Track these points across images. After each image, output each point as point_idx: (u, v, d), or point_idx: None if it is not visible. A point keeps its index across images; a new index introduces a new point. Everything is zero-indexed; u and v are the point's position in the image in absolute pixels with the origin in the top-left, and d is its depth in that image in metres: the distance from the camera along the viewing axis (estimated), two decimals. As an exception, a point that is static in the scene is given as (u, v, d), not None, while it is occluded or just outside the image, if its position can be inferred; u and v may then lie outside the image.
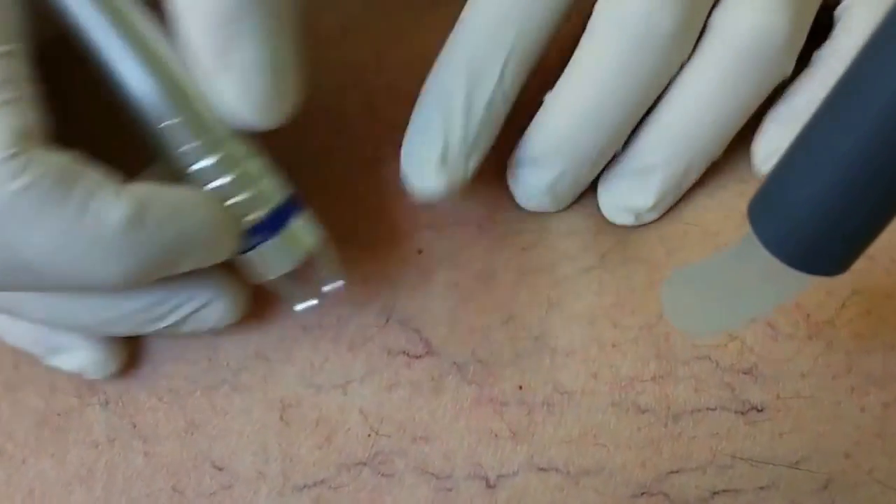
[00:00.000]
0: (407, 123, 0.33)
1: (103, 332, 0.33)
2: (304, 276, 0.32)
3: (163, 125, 0.28)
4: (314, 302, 0.32)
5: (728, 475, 0.33)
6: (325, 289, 0.32)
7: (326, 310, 0.34)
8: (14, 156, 0.25)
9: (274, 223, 0.30)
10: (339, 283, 0.32)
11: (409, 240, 0.35)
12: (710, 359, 0.33)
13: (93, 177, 0.27)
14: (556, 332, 0.34)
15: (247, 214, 0.30)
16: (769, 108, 0.35)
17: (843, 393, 0.33)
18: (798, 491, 0.33)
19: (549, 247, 0.35)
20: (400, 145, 0.33)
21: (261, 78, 0.28)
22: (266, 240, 0.30)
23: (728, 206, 0.35)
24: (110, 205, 0.27)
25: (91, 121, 0.30)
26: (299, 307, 0.32)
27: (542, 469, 0.33)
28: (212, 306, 0.32)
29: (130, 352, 0.35)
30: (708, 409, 0.33)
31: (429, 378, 0.34)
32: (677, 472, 0.33)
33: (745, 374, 0.33)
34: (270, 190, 0.30)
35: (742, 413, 0.33)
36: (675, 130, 0.33)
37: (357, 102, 0.37)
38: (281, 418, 0.34)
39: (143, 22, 0.28)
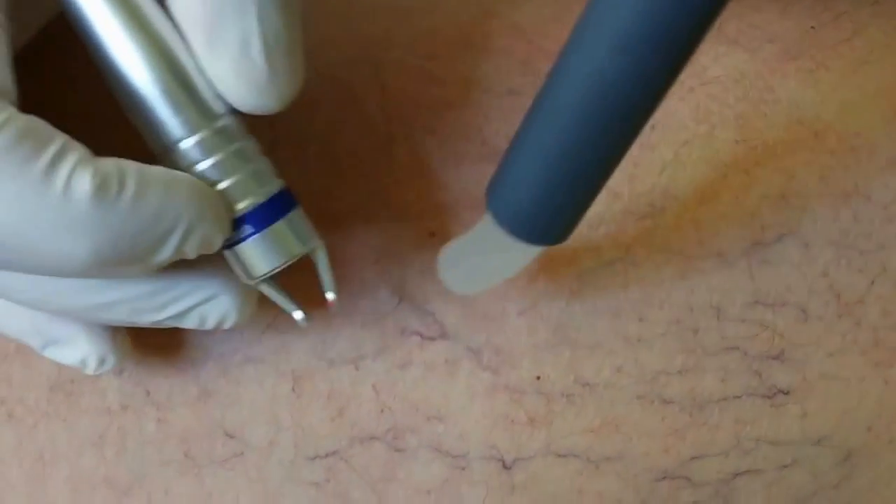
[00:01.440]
0: (417, 102, 0.32)
1: (97, 319, 0.30)
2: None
3: (146, 100, 0.26)
4: (301, 315, 0.29)
5: (751, 457, 0.32)
6: (329, 296, 0.29)
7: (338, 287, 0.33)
8: None
9: (264, 214, 0.27)
10: (331, 295, 0.29)
11: (421, 222, 0.33)
12: (739, 349, 0.32)
13: (62, 140, 0.24)
14: (577, 324, 0.32)
15: (236, 202, 0.27)
16: None
17: (868, 368, 0.32)
18: (819, 466, 0.33)
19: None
20: (412, 123, 0.32)
21: (254, 56, 0.25)
22: (255, 232, 0.27)
23: (765, 183, 0.33)
24: (80, 172, 0.24)
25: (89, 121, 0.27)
26: (297, 316, 0.29)
27: (560, 455, 0.32)
28: (216, 301, 0.29)
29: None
30: (734, 397, 0.32)
31: (442, 360, 0.33)
32: (700, 457, 0.32)
33: (773, 359, 0.32)
34: (262, 178, 0.27)
35: (768, 398, 0.32)
36: None
37: (366, 77, 0.34)
38: (293, 390, 0.33)
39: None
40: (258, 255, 0.27)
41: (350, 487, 0.33)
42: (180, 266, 0.28)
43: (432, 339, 0.33)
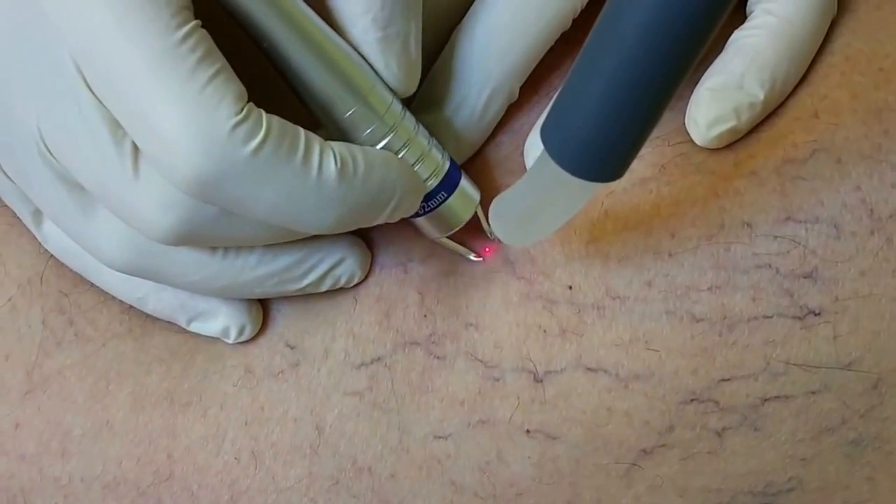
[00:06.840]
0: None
1: (249, 294, 0.32)
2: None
3: (346, 115, 0.29)
4: (475, 256, 0.33)
5: (780, 381, 0.30)
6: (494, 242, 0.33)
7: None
8: (244, 119, 0.26)
9: (446, 186, 0.31)
10: (495, 238, 0.33)
11: None
12: (770, 266, 0.30)
13: (304, 132, 0.27)
14: (609, 238, 0.32)
15: (424, 176, 0.31)
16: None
17: None
18: (848, 392, 0.30)
19: None
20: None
21: (411, 51, 0.30)
22: (442, 202, 0.31)
23: (797, 105, 0.32)
24: (326, 155, 0.27)
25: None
26: (472, 257, 0.33)
27: (590, 369, 0.31)
28: (345, 264, 0.32)
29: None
30: (765, 317, 0.30)
31: (482, 269, 0.33)
32: (729, 379, 0.31)
33: (805, 278, 0.30)
34: (438, 157, 0.31)
35: (799, 318, 0.30)
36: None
37: None
38: (354, 298, 0.34)
39: (312, 21, 0.29)
40: (444, 217, 0.32)
41: (388, 397, 0.32)
42: (313, 239, 0.32)
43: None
